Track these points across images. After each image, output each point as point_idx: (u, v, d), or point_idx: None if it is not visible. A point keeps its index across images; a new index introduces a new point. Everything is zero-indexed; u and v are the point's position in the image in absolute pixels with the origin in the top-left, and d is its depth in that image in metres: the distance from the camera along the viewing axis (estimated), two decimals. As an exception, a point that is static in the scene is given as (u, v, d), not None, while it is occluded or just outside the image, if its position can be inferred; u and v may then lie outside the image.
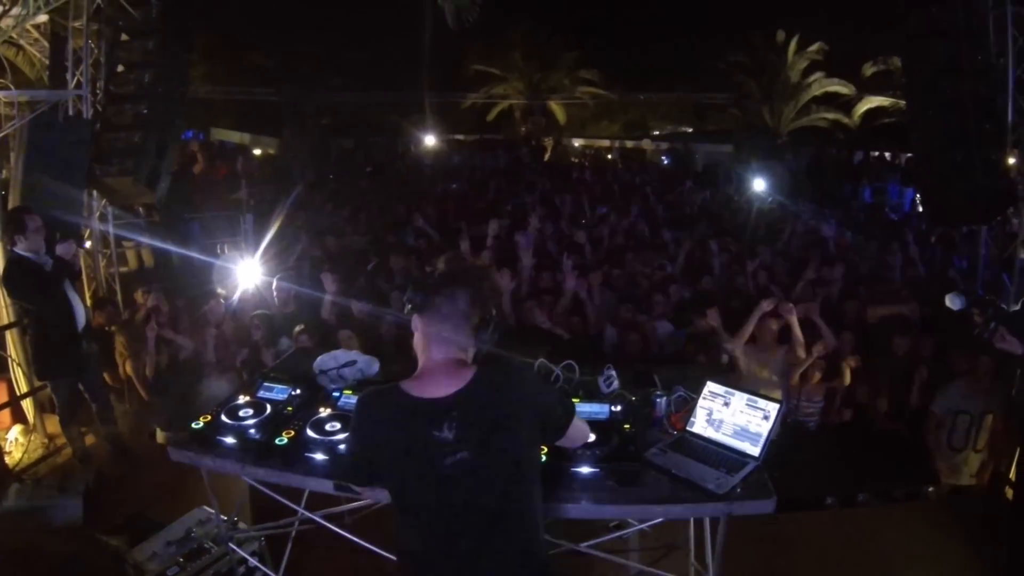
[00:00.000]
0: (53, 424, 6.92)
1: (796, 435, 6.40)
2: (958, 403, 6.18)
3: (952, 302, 4.78)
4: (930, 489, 6.23)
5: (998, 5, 7.42)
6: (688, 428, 3.65)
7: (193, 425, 3.63)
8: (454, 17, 12.12)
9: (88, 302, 8.08)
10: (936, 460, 6.30)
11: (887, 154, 19.03)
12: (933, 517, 5.83)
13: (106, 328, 7.77)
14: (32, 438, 7.00)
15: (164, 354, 7.23)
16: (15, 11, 7.29)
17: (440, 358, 2.55)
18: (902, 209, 15.36)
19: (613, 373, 4.02)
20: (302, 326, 6.84)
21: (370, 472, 2.69)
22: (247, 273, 8.14)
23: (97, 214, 8.75)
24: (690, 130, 33.14)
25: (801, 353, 6.34)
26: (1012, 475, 5.95)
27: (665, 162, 26.46)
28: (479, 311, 2.56)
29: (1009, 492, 5.94)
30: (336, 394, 3.85)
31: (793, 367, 6.43)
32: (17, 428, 7.06)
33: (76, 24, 8.09)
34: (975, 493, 6.28)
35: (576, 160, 26.03)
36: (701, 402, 3.69)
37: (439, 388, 2.48)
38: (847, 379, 6.49)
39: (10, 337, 7.15)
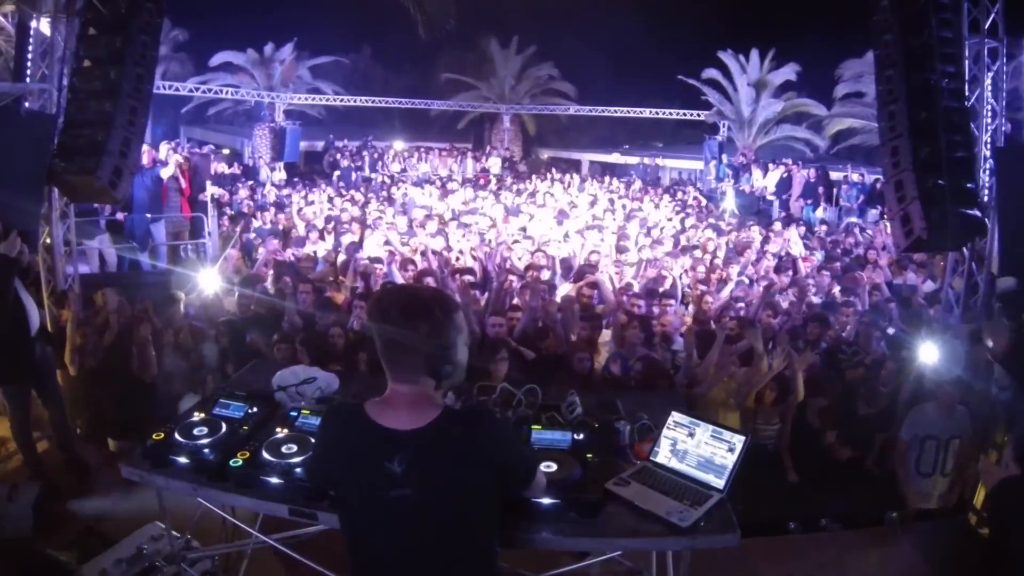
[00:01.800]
0: (5, 428, 6.70)
1: (756, 459, 6.37)
2: (925, 428, 6.20)
3: (1005, 284, 4.74)
4: (893, 514, 6.25)
5: (972, 35, 7.51)
6: (652, 458, 3.59)
7: (146, 442, 3.52)
8: (427, 27, 12.07)
9: (46, 303, 7.87)
10: (904, 485, 6.30)
11: (856, 174, 19.14)
12: (896, 542, 5.83)
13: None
14: (-18, 443, 6.81)
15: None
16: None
17: (403, 390, 2.48)
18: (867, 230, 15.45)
19: (576, 399, 3.96)
20: (278, 336, 6.75)
21: (325, 483, 2.79)
22: (208, 278, 8.01)
23: (57, 212, 8.53)
24: (660, 145, 33.29)
25: (764, 368, 6.36)
26: (978, 503, 5.97)
27: (633, 176, 26.52)
28: (441, 345, 2.45)
29: (973, 519, 5.95)
30: (293, 414, 3.75)
31: (746, 387, 6.38)
32: (-34, 433, 6.85)
33: (45, 16, 7.93)
34: (940, 517, 6.29)
35: (544, 172, 25.94)
36: (665, 432, 3.63)
37: (399, 420, 2.44)
38: (800, 395, 6.44)
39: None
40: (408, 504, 2.40)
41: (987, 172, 7.71)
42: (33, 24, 7.94)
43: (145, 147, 12.49)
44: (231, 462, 3.35)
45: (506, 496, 2.68)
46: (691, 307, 8.74)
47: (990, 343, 5.29)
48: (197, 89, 26.54)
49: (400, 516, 2.42)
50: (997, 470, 3.16)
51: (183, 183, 13.44)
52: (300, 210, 14.72)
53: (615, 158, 31.49)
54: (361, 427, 2.47)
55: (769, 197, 20.71)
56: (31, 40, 7.95)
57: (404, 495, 2.39)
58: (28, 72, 7.93)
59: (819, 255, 12.27)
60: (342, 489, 2.58)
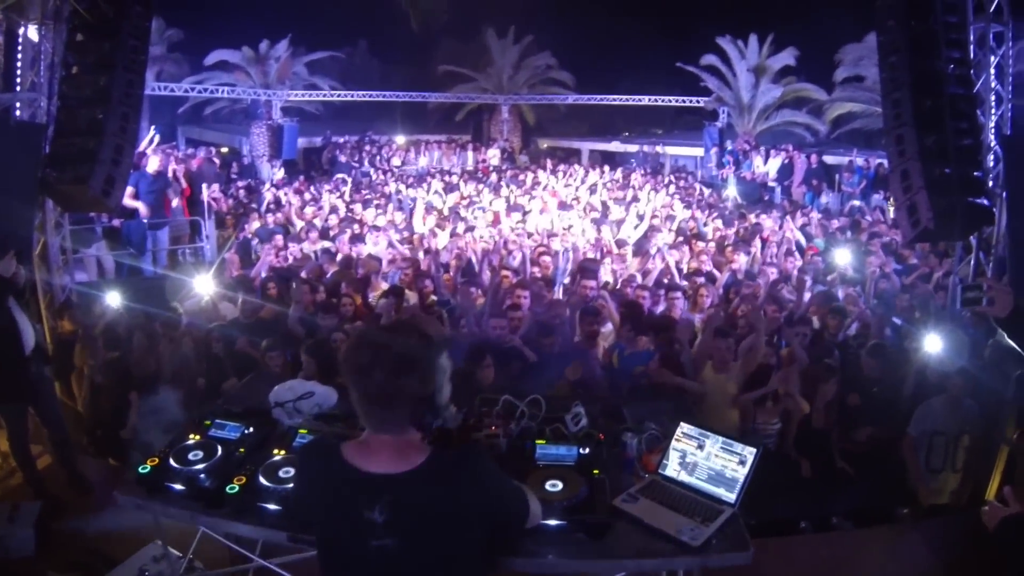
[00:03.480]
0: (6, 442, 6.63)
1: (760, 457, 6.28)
2: (933, 424, 6.12)
3: None
4: (904, 511, 6.16)
5: (977, 19, 7.39)
6: (661, 471, 3.49)
7: (140, 469, 3.44)
8: (418, 22, 11.96)
9: (43, 317, 7.78)
10: (915, 482, 6.21)
11: (860, 159, 18.98)
12: (909, 539, 5.73)
13: (75, 332, 7.51)
14: (-16, 458, 6.73)
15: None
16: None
17: (386, 439, 2.30)
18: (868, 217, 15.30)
19: (581, 410, 3.85)
20: (268, 342, 6.61)
21: (305, 525, 2.66)
22: (203, 283, 7.91)
23: (52, 222, 8.43)
24: (660, 132, 33.11)
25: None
26: (990, 495, 5.89)
27: (633, 164, 26.36)
28: (429, 399, 2.27)
29: (981, 510, 5.85)
30: (291, 432, 3.66)
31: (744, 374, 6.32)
32: (-32, 448, 6.76)
33: (32, 23, 7.82)
34: (952, 513, 6.19)
35: (544, 162, 25.69)
36: (674, 443, 3.53)
37: (380, 463, 2.27)
38: (805, 408, 6.33)
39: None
40: (390, 555, 2.24)
41: (992, 159, 7.59)
42: (21, 31, 7.82)
43: (155, 157, 12.41)
44: (227, 488, 3.27)
45: (500, 537, 2.56)
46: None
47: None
48: (193, 89, 26.40)
49: (382, 567, 2.27)
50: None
51: (183, 184, 13.44)
52: (303, 207, 14.58)
53: (615, 146, 31.30)
54: (338, 471, 2.30)
55: (771, 184, 20.58)
56: (19, 48, 7.83)
57: (386, 545, 2.23)
58: (18, 81, 7.82)
59: (820, 242, 12.13)
60: (320, 535, 2.44)
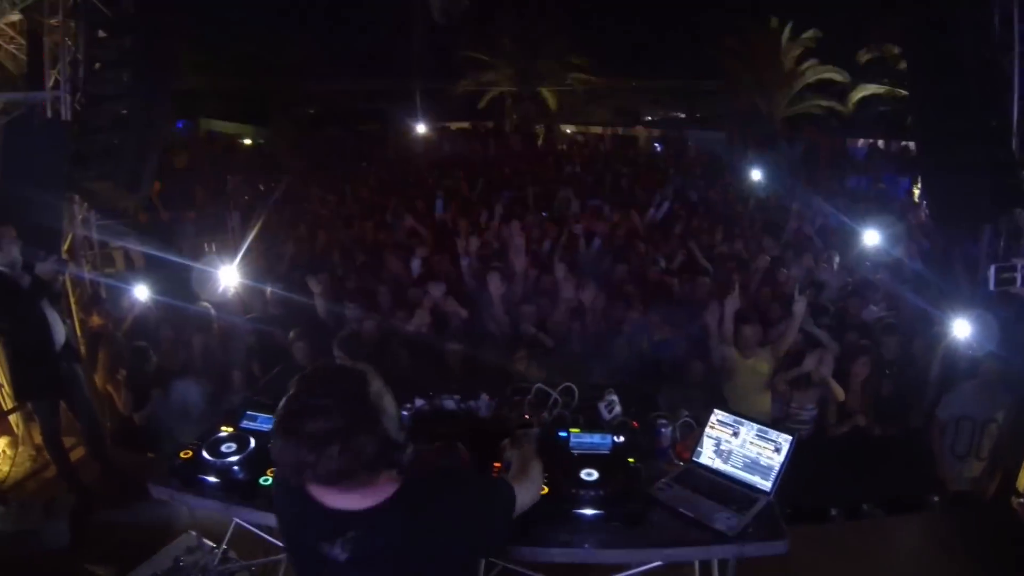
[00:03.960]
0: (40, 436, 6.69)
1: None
2: (962, 408, 6.06)
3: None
4: (935, 499, 6.10)
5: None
6: (695, 459, 3.48)
7: (173, 461, 3.45)
8: (440, 11, 11.91)
9: (73, 311, 7.83)
10: (940, 466, 6.16)
11: (881, 142, 18.79)
12: (941, 528, 5.69)
13: (105, 326, 7.57)
14: (19, 451, 6.79)
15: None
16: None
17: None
18: (898, 200, 15.13)
19: (615, 398, 3.85)
20: (295, 332, 6.62)
21: None
22: (229, 276, 7.91)
23: (80, 218, 8.45)
24: (682, 116, 32.88)
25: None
26: (1021, 486, 5.82)
27: (657, 149, 26.20)
28: (386, 437, 2.04)
29: (1015, 502, 5.80)
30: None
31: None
32: (3, 441, 6.86)
33: (53, 21, 7.82)
34: (978, 501, 6.13)
35: (564, 148, 25.53)
36: (708, 431, 3.52)
37: (342, 500, 2.07)
38: (840, 395, 6.28)
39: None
40: None
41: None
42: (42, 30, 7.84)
43: (182, 154, 12.45)
44: (261, 480, 3.29)
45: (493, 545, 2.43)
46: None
47: None
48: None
49: None
50: None
51: (208, 176, 13.52)
52: (325, 196, 14.60)
53: (638, 131, 31.12)
54: (301, 503, 2.10)
55: (795, 167, 20.38)
56: (42, 46, 7.84)
57: None
58: (42, 80, 7.84)
59: (848, 225, 11.99)
60: (293, 566, 2.31)
